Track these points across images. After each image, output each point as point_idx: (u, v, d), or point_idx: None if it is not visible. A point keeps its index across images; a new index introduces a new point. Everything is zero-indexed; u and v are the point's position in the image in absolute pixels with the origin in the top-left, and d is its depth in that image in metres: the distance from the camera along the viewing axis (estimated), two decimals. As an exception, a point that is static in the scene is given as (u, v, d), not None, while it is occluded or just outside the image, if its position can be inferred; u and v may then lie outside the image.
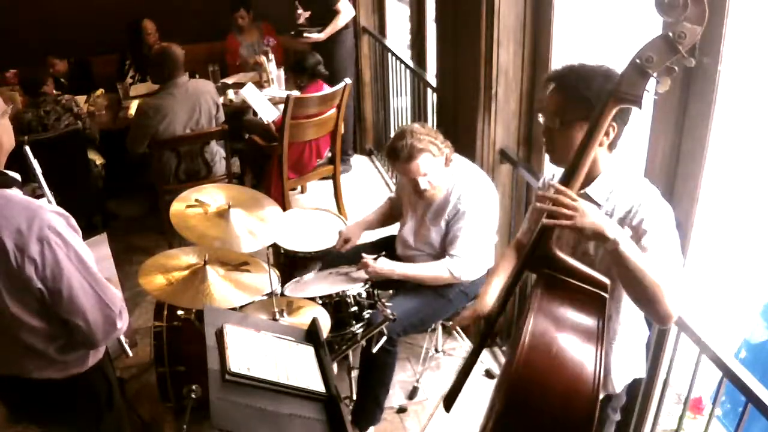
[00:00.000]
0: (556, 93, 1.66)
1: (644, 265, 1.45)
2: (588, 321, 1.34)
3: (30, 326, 1.69)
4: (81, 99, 4.65)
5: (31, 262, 1.59)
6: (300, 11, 4.78)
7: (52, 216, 1.63)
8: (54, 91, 4.17)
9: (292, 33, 4.94)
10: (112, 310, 1.75)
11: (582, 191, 1.66)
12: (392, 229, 3.08)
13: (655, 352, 2.11)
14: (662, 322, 1.54)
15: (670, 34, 1.32)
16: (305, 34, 4.72)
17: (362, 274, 2.70)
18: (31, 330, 1.69)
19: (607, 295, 1.41)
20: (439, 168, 2.59)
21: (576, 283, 1.43)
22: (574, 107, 1.61)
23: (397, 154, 2.55)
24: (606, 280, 1.45)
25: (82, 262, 1.69)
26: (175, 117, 3.85)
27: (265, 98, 4.41)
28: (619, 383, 1.85)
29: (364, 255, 2.69)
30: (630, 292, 1.52)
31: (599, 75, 1.59)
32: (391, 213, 3.10)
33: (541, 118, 1.71)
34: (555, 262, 1.47)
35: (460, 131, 3.17)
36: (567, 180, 1.48)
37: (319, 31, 4.64)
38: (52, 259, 1.61)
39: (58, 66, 5.06)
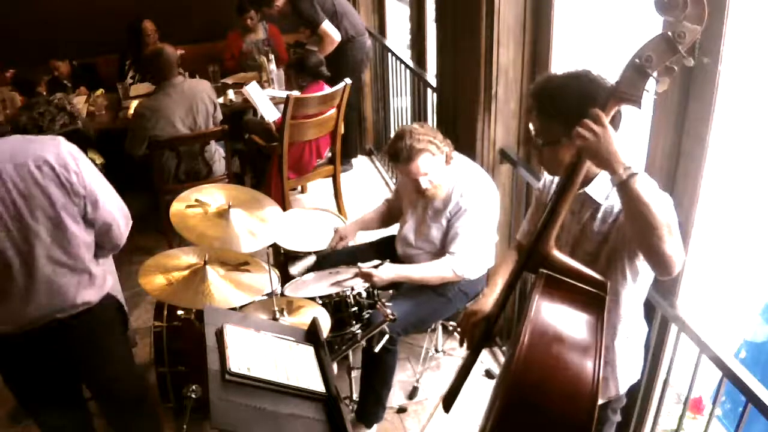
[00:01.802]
0: (535, 114, 1.66)
1: (652, 203, 1.39)
2: (587, 321, 1.34)
3: (84, 240, 2.00)
4: (81, 99, 4.65)
5: (74, 174, 1.91)
6: (301, 29, 4.83)
7: (67, 142, 1.97)
8: (45, 92, 4.16)
9: (290, 44, 5.07)
10: (125, 207, 2.16)
11: (581, 191, 1.67)
12: (392, 230, 3.08)
13: (655, 352, 2.11)
14: (666, 267, 1.44)
15: (670, 33, 1.31)
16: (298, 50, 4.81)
17: (367, 283, 2.69)
18: (84, 244, 2.00)
19: (606, 295, 1.41)
20: (440, 167, 2.60)
21: (575, 283, 1.43)
22: (553, 127, 1.61)
23: (397, 155, 2.56)
24: (605, 280, 1.44)
25: (99, 171, 2.04)
26: (172, 117, 3.84)
27: (268, 97, 4.40)
28: (623, 385, 1.85)
29: (360, 265, 2.68)
30: (635, 230, 1.46)
31: (577, 90, 1.58)
32: (389, 214, 3.10)
33: (531, 130, 1.70)
34: (554, 262, 1.47)
35: (460, 131, 3.17)
36: (566, 182, 1.47)
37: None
38: (86, 170, 1.95)
39: (61, 68, 5.06)
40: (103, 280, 2.13)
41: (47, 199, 1.88)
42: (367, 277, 2.63)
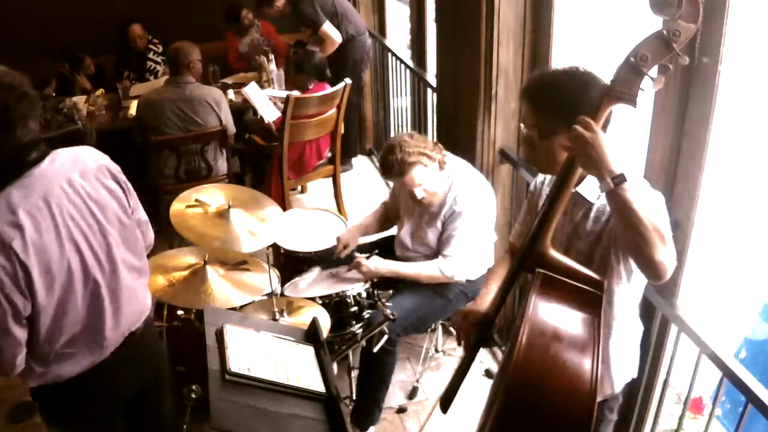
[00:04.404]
0: (531, 107, 1.64)
1: (641, 210, 1.38)
2: (584, 319, 1.34)
3: (141, 240, 1.95)
4: (81, 99, 4.65)
5: (122, 175, 1.96)
6: (302, 28, 4.84)
7: None
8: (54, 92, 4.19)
9: (291, 44, 5.07)
10: None
11: (573, 190, 1.66)
12: (392, 230, 3.08)
13: (655, 352, 2.11)
14: (657, 273, 1.42)
15: (665, 32, 1.31)
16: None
17: (359, 274, 2.69)
18: (142, 244, 1.97)
19: (602, 294, 1.41)
20: (434, 175, 2.59)
21: (571, 282, 1.43)
22: (549, 121, 1.59)
23: (388, 169, 2.55)
24: (601, 279, 1.44)
25: None
26: (162, 113, 3.84)
27: (268, 98, 4.40)
28: (618, 383, 1.84)
29: (356, 254, 2.69)
30: (625, 236, 1.44)
31: (572, 84, 1.57)
32: (386, 217, 3.09)
33: (523, 128, 1.70)
34: (550, 261, 1.47)
35: (460, 131, 3.17)
36: (560, 184, 1.47)
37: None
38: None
39: (91, 68, 5.13)
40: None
41: (115, 201, 1.83)
42: (356, 266, 2.64)
